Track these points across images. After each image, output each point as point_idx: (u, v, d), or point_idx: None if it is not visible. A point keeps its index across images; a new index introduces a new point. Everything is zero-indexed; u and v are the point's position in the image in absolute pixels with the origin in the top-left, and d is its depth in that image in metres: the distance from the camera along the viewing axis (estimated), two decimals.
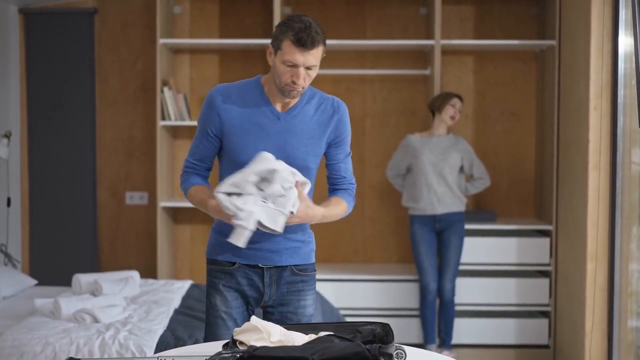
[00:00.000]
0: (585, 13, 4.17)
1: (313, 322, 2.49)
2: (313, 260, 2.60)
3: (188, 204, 4.50)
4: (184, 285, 4.38)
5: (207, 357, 1.90)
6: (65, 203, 5.26)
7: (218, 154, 2.54)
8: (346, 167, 2.58)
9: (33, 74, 5.21)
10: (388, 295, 4.87)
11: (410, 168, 4.69)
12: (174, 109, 4.96)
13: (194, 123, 4.82)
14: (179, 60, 5.30)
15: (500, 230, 4.93)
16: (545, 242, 4.83)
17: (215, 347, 2.08)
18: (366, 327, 2.07)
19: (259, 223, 2.27)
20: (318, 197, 2.52)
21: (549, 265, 4.82)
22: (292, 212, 2.30)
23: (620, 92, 4.04)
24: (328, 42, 5.04)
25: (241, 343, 2.00)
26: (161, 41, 4.87)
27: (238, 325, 2.48)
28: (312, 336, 2.02)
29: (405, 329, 4.81)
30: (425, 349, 4.44)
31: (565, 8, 4.62)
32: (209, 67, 5.30)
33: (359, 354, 1.82)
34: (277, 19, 4.78)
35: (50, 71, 5.21)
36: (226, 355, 1.86)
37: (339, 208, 2.51)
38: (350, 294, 4.88)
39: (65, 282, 4.68)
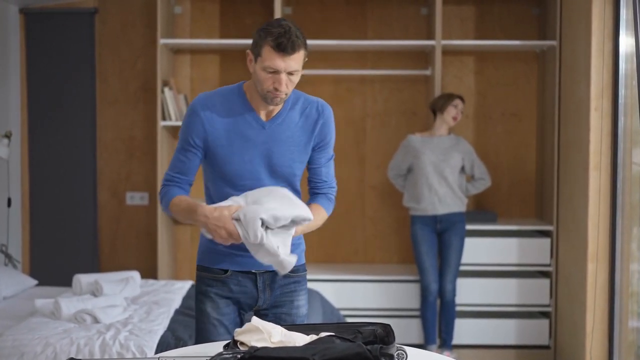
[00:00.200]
0: (586, 13, 4.17)
1: (314, 322, 2.49)
2: (304, 260, 2.59)
3: None
4: (184, 286, 4.38)
5: (208, 358, 1.90)
6: (66, 203, 5.25)
7: (202, 165, 2.50)
8: (327, 172, 2.55)
9: (33, 74, 5.21)
10: (389, 295, 4.87)
11: (411, 168, 4.68)
12: (175, 109, 4.95)
13: None
14: (179, 61, 5.30)
15: (501, 230, 4.93)
16: (546, 242, 4.82)
17: (216, 347, 2.07)
18: (367, 327, 2.07)
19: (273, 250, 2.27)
20: (302, 200, 2.50)
21: (549, 265, 4.81)
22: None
23: (621, 92, 4.04)
24: (329, 42, 5.12)
25: (242, 343, 1.99)
26: (162, 41, 4.86)
27: (229, 332, 2.47)
28: (313, 337, 2.02)
29: (406, 330, 4.81)
30: (426, 349, 4.43)
31: (566, 8, 4.62)
32: (210, 67, 5.29)
33: (360, 354, 1.81)
34: None
35: (51, 71, 5.21)
36: (227, 355, 1.86)
37: (318, 218, 2.47)
38: (351, 295, 4.88)
39: (66, 282, 4.68)
